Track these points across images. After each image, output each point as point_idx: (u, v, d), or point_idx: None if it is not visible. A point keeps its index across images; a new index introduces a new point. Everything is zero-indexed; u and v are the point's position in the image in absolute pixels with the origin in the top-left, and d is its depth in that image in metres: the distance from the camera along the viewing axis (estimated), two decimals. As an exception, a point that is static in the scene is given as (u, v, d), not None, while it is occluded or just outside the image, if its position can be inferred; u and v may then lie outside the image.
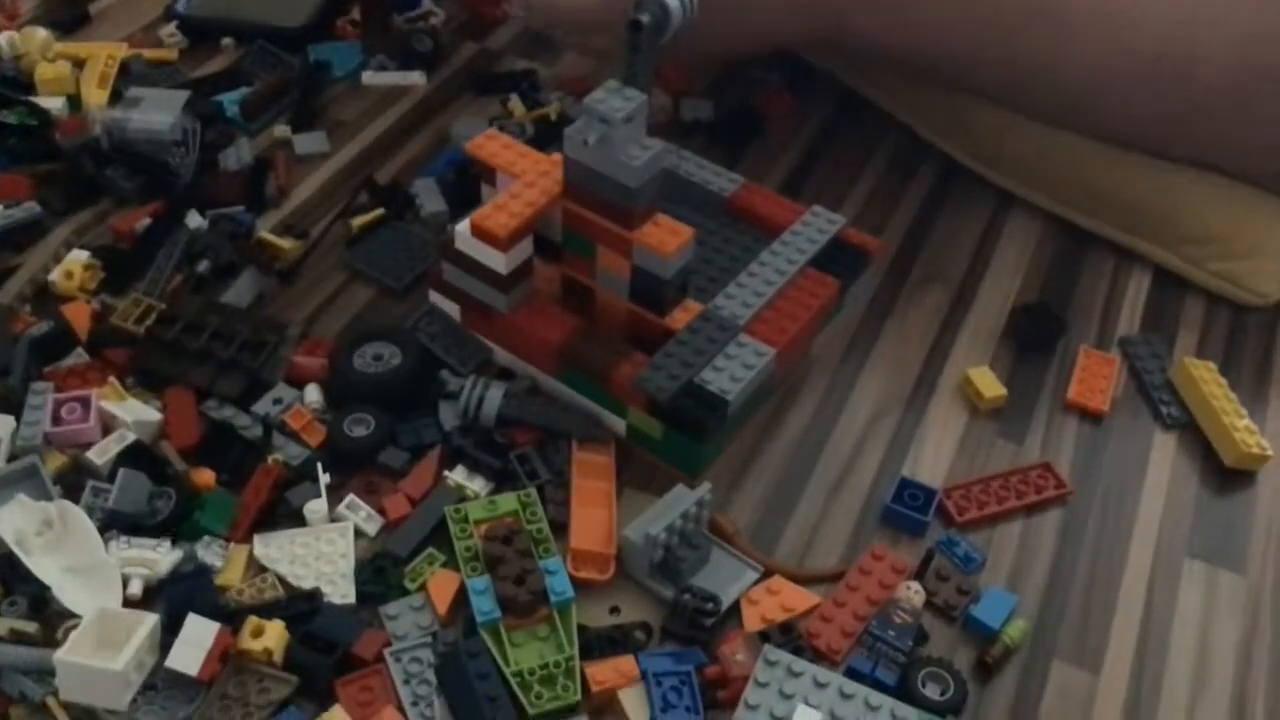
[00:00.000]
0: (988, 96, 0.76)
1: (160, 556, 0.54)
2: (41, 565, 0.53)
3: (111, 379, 0.62)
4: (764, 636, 0.54)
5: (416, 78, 0.85)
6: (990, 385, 0.66)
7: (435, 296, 0.66)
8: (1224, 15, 0.67)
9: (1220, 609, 0.58)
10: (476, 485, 0.59)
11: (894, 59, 0.76)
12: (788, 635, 0.54)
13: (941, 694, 0.53)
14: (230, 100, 0.80)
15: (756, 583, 0.57)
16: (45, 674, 0.50)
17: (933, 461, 0.63)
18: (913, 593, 0.56)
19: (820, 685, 0.52)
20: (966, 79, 0.74)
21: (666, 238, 0.58)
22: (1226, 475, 0.63)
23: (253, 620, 0.52)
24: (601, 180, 0.57)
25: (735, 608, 0.56)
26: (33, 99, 0.78)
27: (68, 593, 0.52)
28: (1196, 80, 0.68)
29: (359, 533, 0.57)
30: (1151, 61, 0.68)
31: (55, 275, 0.67)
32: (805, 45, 0.76)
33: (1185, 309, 0.72)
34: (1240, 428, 0.63)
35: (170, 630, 0.51)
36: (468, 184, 0.74)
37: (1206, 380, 0.65)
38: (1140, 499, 0.62)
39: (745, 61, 0.87)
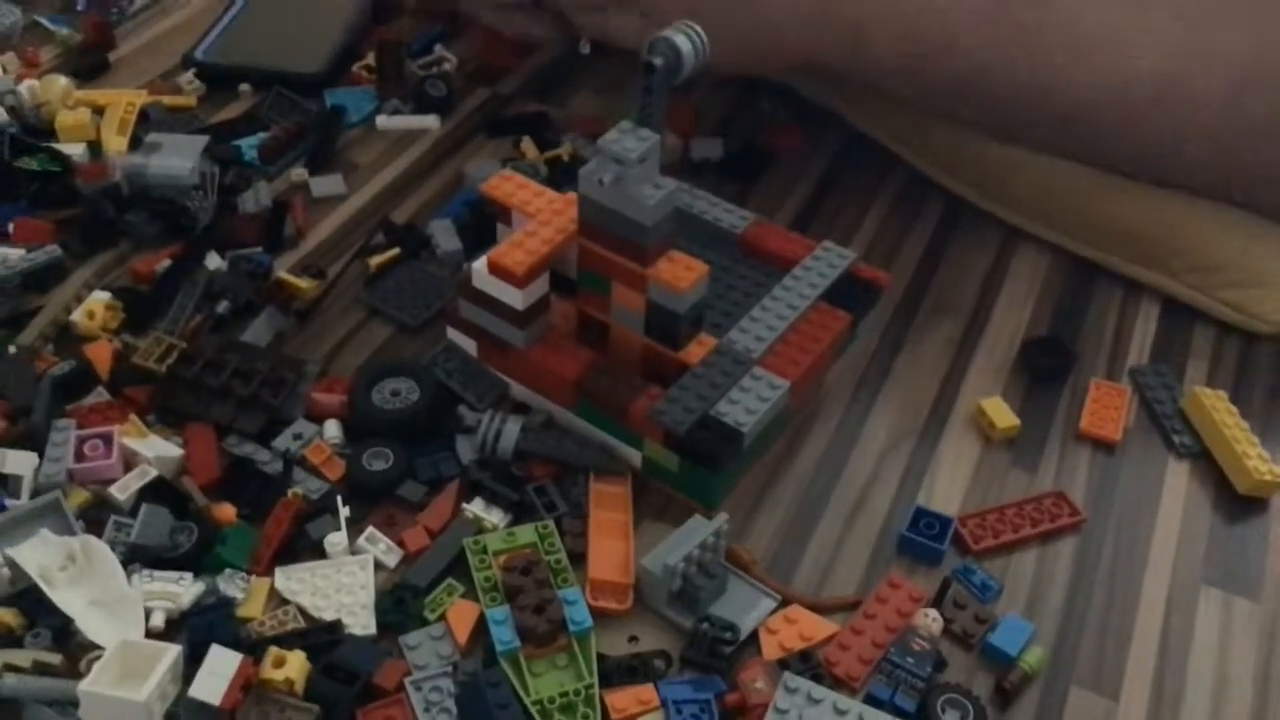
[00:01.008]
0: (989, 124, 0.77)
1: (182, 589, 0.55)
2: (65, 598, 0.53)
3: (133, 416, 0.62)
4: (783, 665, 0.54)
5: (431, 121, 0.86)
6: (1003, 416, 0.66)
7: (452, 333, 0.67)
8: (1223, 44, 0.68)
9: (1236, 635, 0.58)
10: (494, 518, 0.60)
11: (900, 82, 0.76)
12: (806, 663, 0.55)
13: (961, 720, 0.53)
14: (248, 145, 0.81)
15: (774, 612, 0.57)
16: (69, 705, 0.50)
17: (947, 491, 0.63)
18: (930, 620, 0.56)
19: (840, 712, 0.52)
20: (970, 103, 0.75)
21: (681, 273, 0.59)
22: (1239, 503, 0.64)
23: (274, 651, 0.52)
24: (616, 218, 0.58)
25: (753, 636, 0.56)
26: (54, 145, 0.79)
27: (91, 625, 0.53)
28: (1196, 107, 0.69)
29: (379, 565, 0.58)
30: (1154, 87, 0.69)
31: (77, 315, 0.68)
32: (817, 62, 0.76)
33: (1195, 339, 0.73)
34: (1252, 455, 0.64)
35: (192, 661, 0.52)
36: (482, 224, 0.75)
37: (1218, 409, 0.66)
38: (1154, 527, 0.62)
39: (756, 92, 0.88)
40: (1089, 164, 0.75)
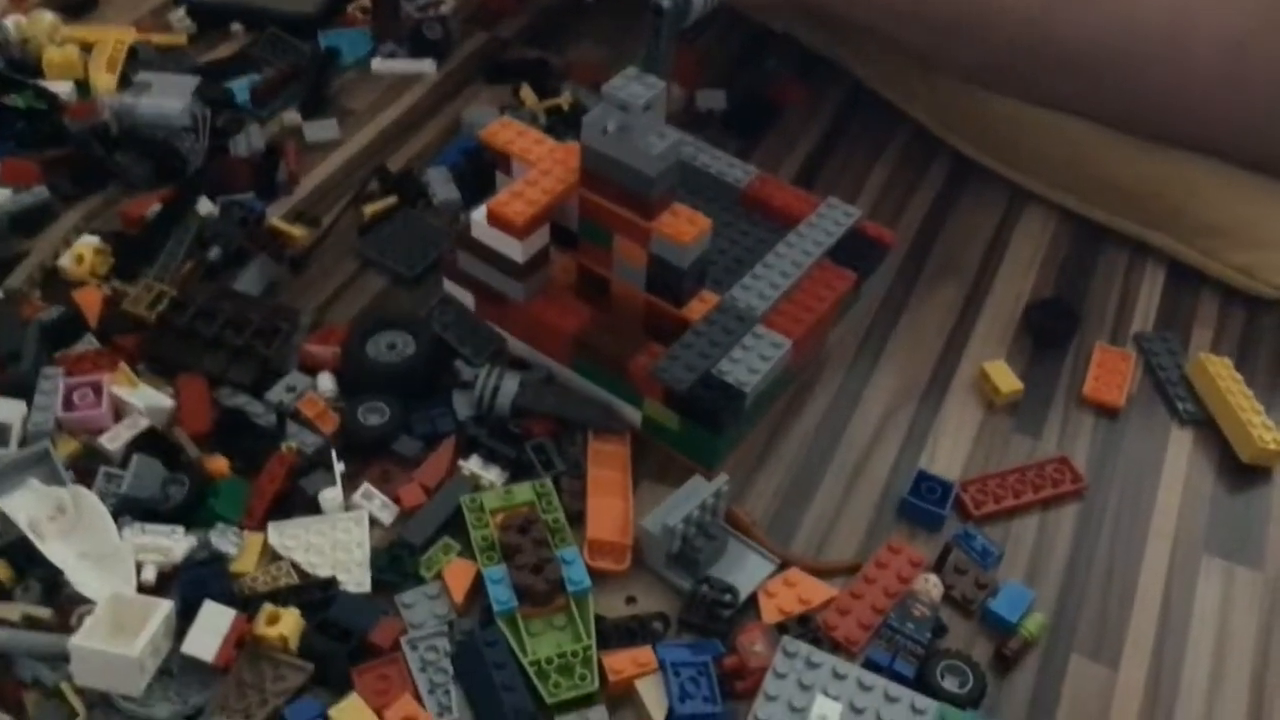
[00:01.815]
0: (992, 70, 0.75)
1: (174, 543, 0.54)
2: (55, 550, 0.53)
3: (123, 365, 0.61)
4: (781, 628, 0.54)
5: (427, 66, 0.84)
6: (1007, 380, 0.65)
7: (449, 285, 0.66)
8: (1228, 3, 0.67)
9: (1237, 604, 0.57)
10: (492, 475, 0.59)
11: (905, 21, 0.74)
12: (805, 627, 0.54)
13: (960, 686, 0.52)
14: (240, 86, 0.79)
15: (773, 574, 0.56)
16: (60, 659, 0.50)
17: (949, 455, 0.63)
18: (930, 586, 0.56)
19: (839, 676, 0.51)
20: (974, 45, 0.73)
21: (684, 227, 0.58)
22: (1243, 471, 0.63)
23: (268, 607, 0.52)
24: (619, 168, 0.57)
25: (752, 599, 0.55)
26: (40, 83, 0.77)
27: (81, 578, 0.52)
28: (1202, 55, 0.67)
29: (374, 521, 0.57)
30: (1161, 30, 0.68)
31: (65, 260, 0.67)
32: (822, 5, 0.75)
33: (1200, 305, 0.72)
34: (1257, 424, 0.63)
35: (185, 617, 0.51)
36: (479, 172, 0.73)
37: (1223, 376, 0.65)
38: (1157, 494, 0.62)
39: (761, 45, 0.86)
40: (1093, 117, 0.74)
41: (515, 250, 0.60)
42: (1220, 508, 0.61)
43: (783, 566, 0.57)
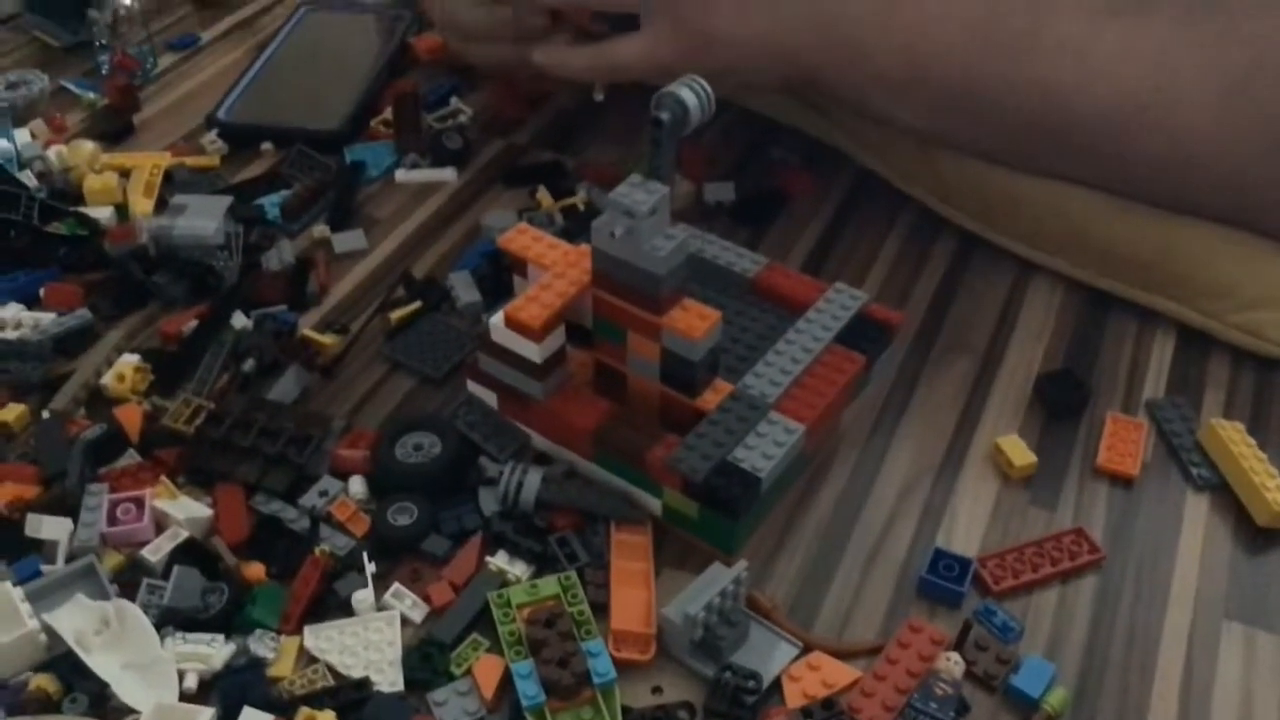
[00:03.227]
0: (991, 144, 0.77)
1: (214, 651, 0.56)
2: (100, 663, 0.55)
3: (164, 478, 0.64)
4: (806, 713, 0.55)
5: (448, 174, 0.88)
6: (1020, 453, 0.66)
7: (473, 386, 0.68)
8: (1216, 56, 0.68)
9: (1261, 671, 0.58)
10: (518, 570, 0.61)
11: (903, 99, 0.77)
12: (830, 711, 0.55)
13: (985, 764, 0.53)
14: (271, 203, 0.83)
15: (796, 658, 0.57)
16: (107, 770, 0.51)
17: (966, 531, 0.64)
18: (952, 664, 0.56)
19: (863, 759, 0.52)
20: (972, 121, 0.76)
21: (695, 321, 0.60)
22: (1260, 535, 0.64)
23: (305, 711, 0.53)
24: (629, 269, 0.59)
25: (776, 684, 0.56)
26: (82, 209, 0.81)
27: (126, 689, 0.54)
28: (1188, 119, 0.69)
29: (405, 620, 0.59)
30: (1146, 98, 0.70)
31: (107, 379, 0.70)
32: (822, 80, 0.78)
33: (1210, 370, 0.73)
34: (1271, 487, 0.64)
35: (226, 723, 0.53)
36: (500, 274, 0.76)
37: (1235, 441, 0.66)
38: (1175, 562, 0.62)
39: (767, 137, 0.89)
40: (1094, 187, 0.76)
41: (533, 352, 0.63)
42: (1238, 573, 0.62)
43: (805, 650, 0.58)
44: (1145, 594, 0.61)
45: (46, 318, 0.73)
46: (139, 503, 0.61)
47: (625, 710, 0.55)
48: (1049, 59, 0.71)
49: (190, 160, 0.88)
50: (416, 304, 0.76)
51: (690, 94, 0.62)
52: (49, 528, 0.60)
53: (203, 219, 0.78)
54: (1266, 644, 0.59)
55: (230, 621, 0.58)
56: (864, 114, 0.81)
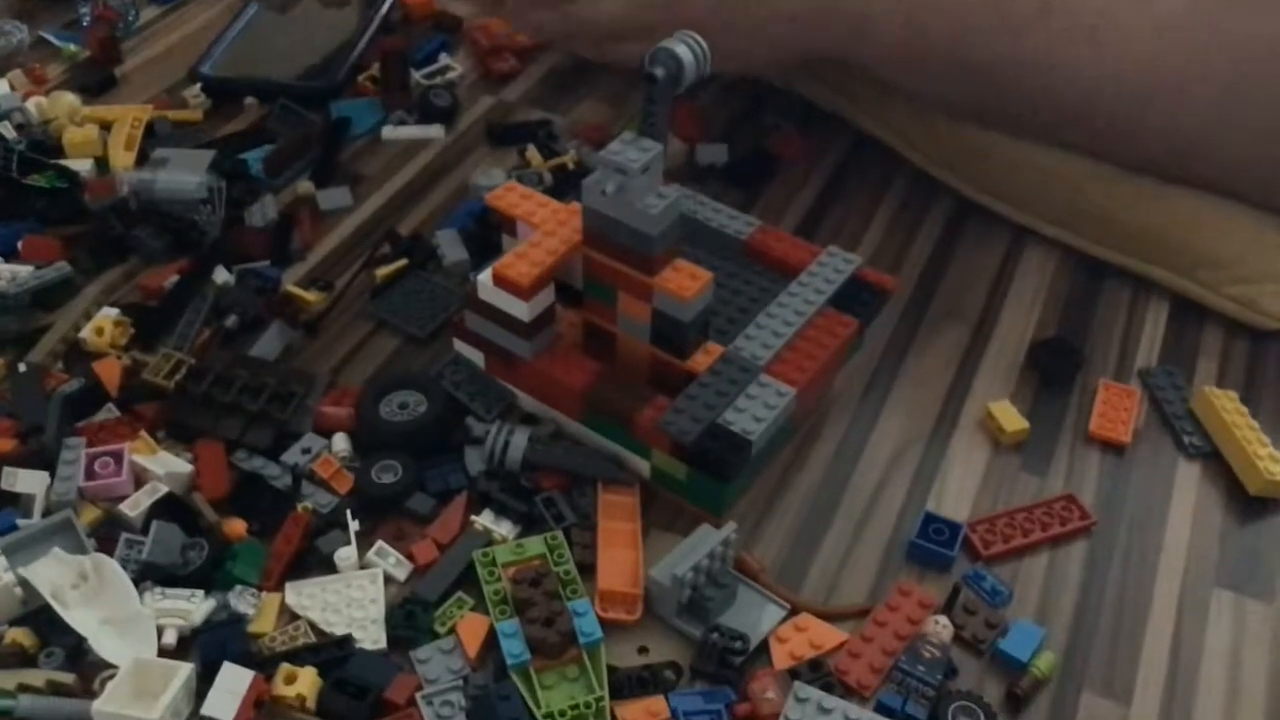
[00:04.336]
0: (993, 116, 0.77)
1: (194, 606, 0.55)
2: (78, 617, 0.54)
3: (143, 433, 0.63)
4: (793, 674, 0.55)
5: (435, 131, 0.86)
6: (1012, 419, 0.66)
7: (459, 344, 0.67)
8: (1223, 33, 0.68)
9: (1249, 639, 0.57)
10: (504, 529, 0.60)
11: (906, 72, 0.76)
12: (817, 672, 0.55)
13: (973, 728, 0.53)
14: (254, 158, 0.81)
15: (784, 620, 0.57)
16: (83, 725, 0.51)
17: (956, 496, 0.63)
18: (940, 627, 0.56)
19: (851, 721, 0.52)
20: (974, 92, 0.75)
21: (686, 282, 0.59)
22: (1251, 504, 0.63)
23: (286, 667, 0.53)
24: (620, 228, 0.58)
25: (763, 646, 0.56)
26: (61, 162, 0.79)
27: (104, 644, 0.53)
28: (1191, 95, 0.69)
29: (388, 579, 0.58)
30: (1151, 76, 0.69)
31: (86, 332, 0.68)
32: (824, 54, 0.77)
33: (1204, 338, 0.73)
34: (1263, 456, 0.63)
35: (205, 679, 0.52)
36: (488, 233, 0.75)
37: (1228, 409, 0.66)
38: (1165, 529, 0.62)
39: (761, 99, 0.88)
40: (1094, 155, 0.75)
41: (521, 310, 0.62)
42: (1229, 541, 0.62)
43: (793, 612, 0.57)
44: (1135, 561, 0.61)
45: (24, 270, 0.72)
46: (117, 457, 0.60)
47: (611, 670, 0.54)
48: (1058, 36, 0.70)
49: (173, 114, 0.86)
50: (402, 261, 0.75)
51: (686, 50, 0.60)
52: (25, 481, 0.59)
53: (185, 173, 0.76)
54: (1256, 611, 0.58)
55: (210, 578, 0.57)
56: (865, 78, 0.80)
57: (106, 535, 0.58)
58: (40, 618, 0.55)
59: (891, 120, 0.84)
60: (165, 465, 0.61)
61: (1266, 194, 0.72)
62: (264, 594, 0.57)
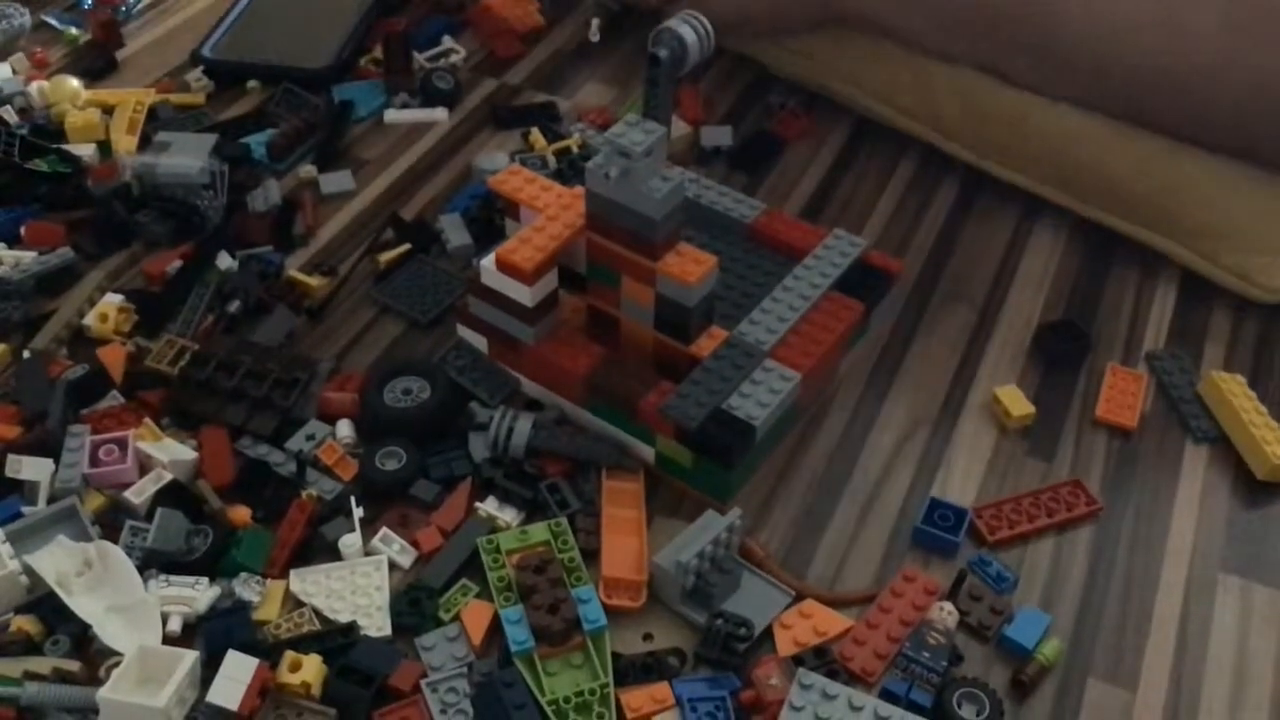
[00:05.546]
0: (992, 64, 0.76)
1: (199, 594, 0.55)
2: (83, 605, 0.54)
3: (147, 420, 0.63)
4: (797, 660, 0.54)
5: (439, 114, 0.86)
6: (1018, 404, 0.66)
7: (463, 330, 0.67)
8: None
9: (1256, 623, 0.57)
10: (508, 516, 0.60)
11: (907, 13, 0.77)
12: (821, 659, 0.55)
13: (978, 714, 0.52)
14: (257, 142, 0.81)
15: (788, 607, 0.57)
16: (89, 712, 0.51)
17: (962, 481, 0.63)
18: (946, 613, 0.56)
19: (855, 708, 0.51)
20: (973, 37, 0.75)
21: (690, 266, 0.59)
22: (1258, 488, 0.63)
23: (290, 654, 0.53)
24: (624, 212, 0.58)
25: (768, 632, 0.56)
26: (64, 147, 0.79)
27: (109, 631, 0.53)
28: (1190, 39, 0.68)
29: (393, 565, 0.58)
30: (1150, 16, 0.69)
31: (90, 319, 0.68)
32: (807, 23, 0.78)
33: (1212, 321, 0.72)
34: (1271, 440, 0.63)
35: (210, 666, 0.52)
36: (491, 217, 0.75)
37: (1235, 393, 0.65)
38: (1172, 514, 0.62)
39: (765, 81, 0.87)
40: (1095, 106, 0.74)
41: (524, 295, 0.61)
42: (1236, 526, 0.61)
43: (798, 598, 0.57)
44: (1142, 546, 0.60)
45: (27, 256, 0.72)
46: (122, 444, 0.60)
47: (615, 657, 0.54)
48: None
49: (175, 98, 0.86)
50: (405, 246, 0.75)
51: (690, 30, 0.60)
52: (30, 468, 0.59)
53: (187, 157, 0.76)
54: (1262, 596, 0.58)
55: (215, 565, 0.57)
56: (866, 28, 0.79)
57: (111, 522, 0.59)
58: (45, 605, 0.55)
59: (894, 98, 0.82)
60: (169, 452, 0.61)
61: (1263, 147, 0.70)
62: (269, 581, 0.57)
